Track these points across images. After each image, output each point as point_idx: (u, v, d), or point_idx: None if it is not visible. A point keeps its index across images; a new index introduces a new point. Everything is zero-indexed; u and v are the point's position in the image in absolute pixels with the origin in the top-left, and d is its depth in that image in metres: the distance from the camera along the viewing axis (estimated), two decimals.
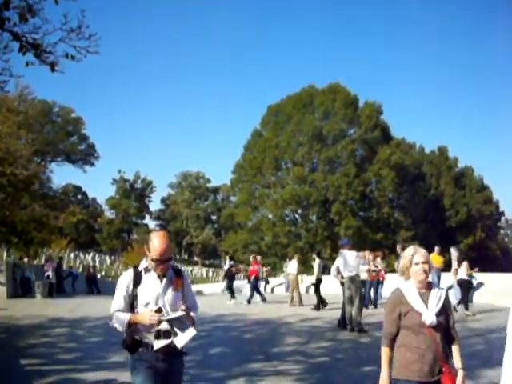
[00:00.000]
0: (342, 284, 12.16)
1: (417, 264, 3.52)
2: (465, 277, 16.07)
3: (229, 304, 18.28)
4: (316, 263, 17.04)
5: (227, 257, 23.60)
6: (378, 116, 50.85)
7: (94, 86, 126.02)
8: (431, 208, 52.41)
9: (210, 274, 57.88)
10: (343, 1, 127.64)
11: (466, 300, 15.70)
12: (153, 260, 3.50)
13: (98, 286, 27.71)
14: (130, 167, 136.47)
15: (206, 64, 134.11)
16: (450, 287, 17.52)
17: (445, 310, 3.52)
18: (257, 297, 19.29)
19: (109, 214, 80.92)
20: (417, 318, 3.43)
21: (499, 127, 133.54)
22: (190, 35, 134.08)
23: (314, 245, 46.37)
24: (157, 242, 3.49)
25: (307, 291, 23.39)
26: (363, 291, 13.63)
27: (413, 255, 3.55)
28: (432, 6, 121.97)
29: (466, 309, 15.37)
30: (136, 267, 3.65)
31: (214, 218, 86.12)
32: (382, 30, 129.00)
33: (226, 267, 20.69)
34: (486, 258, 52.02)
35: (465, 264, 16.33)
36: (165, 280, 3.56)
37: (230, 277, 19.75)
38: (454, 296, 17.99)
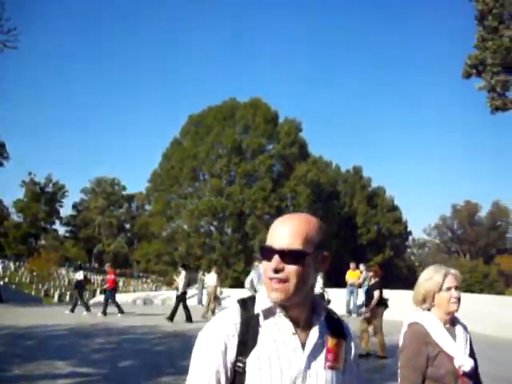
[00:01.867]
0: None
1: (449, 289, 2.69)
2: None
3: (85, 315, 17.94)
4: (182, 276, 16.86)
5: (79, 266, 22.52)
6: (297, 133, 51.75)
7: (7, 83, 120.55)
8: (344, 225, 53.77)
9: (121, 284, 56.31)
10: (270, 18, 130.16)
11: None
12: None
13: (0, 293, 26.11)
14: (41, 170, 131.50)
15: (127, 68, 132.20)
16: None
17: (472, 350, 2.78)
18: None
19: (16, 217, 77.21)
20: (449, 363, 2.59)
21: (410, 151, 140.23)
22: (112, 37, 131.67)
23: (228, 257, 46.32)
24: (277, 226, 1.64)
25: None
26: None
27: (445, 277, 2.70)
28: (358, 26, 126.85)
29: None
30: (243, 304, 1.65)
31: (127, 226, 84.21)
32: (307, 48, 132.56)
33: (77, 277, 19.87)
34: (394, 276, 54.01)
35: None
36: (310, 340, 1.55)
37: (79, 287, 19.46)
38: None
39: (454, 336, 2.70)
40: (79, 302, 19.13)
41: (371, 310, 10.69)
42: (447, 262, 69.73)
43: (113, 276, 19.07)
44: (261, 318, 1.57)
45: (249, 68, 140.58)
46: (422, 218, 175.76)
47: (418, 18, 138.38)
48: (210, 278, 19.34)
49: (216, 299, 18.85)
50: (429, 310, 2.77)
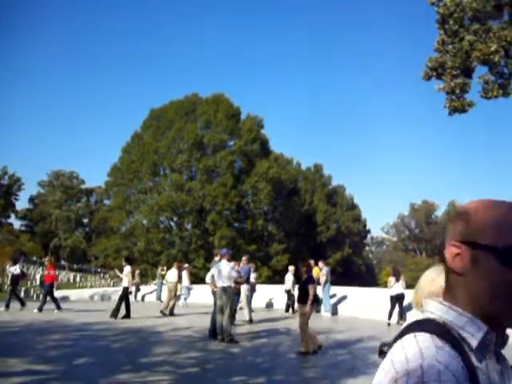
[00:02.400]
0: (215, 293, 12.06)
1: None
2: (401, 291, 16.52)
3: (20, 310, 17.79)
4: (126, 271, 16.52)
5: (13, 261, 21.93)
6: (259, 130, 51.84)
7: None
8: (304, 222, 54.15)
9: (78, 279, 55.39)
10: (235, 15, 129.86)
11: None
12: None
13: None
14: None
15: (87, 60, 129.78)
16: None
17: None
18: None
19: None
20: None
21: (370, 150, 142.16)
22: (75, 31, 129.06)
23: (188, 253, 46.07)
24: None
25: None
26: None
27: None
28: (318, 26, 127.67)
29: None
30: (445, 333, 1.06)
31: (85, 220, 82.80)
32: (271, 50, 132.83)
33: (13, 271, 19.27)
34: (352, 273, 54.80)
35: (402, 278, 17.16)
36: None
37: (15, 282, 19.05)
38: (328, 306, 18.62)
39: None
40: (13, 297, 18.60)
41: (302, 305, 10.41)
42: (404, 260, 71.10)
43: (52, 271, 18.66)
44: (473, 357, 1.05)
45: (212, 64, 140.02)
46: (380, 216, 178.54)
47: (382, 20, 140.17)
48: (171, 274, 19.21)
49: (176, 296, 18.75)
50: None
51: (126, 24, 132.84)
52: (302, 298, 10.39)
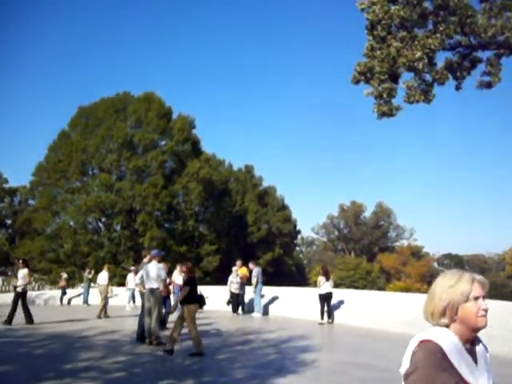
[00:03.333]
0: (143, 295, 11.85)
1: (476, 299, 2.15)
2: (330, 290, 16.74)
3: None
4: (22, 273, 15.56)
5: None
6: (191, 130, 51.44)
7: None
8: (235, 223, 54.21)
9: (0, 283, 53.08)
10: (167, 14, 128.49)
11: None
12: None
13: None
14: None
15: (13, 53, 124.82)
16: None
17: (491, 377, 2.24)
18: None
19: None
20: None
21: (301, 151, 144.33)
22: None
23: (117, 255, 45.11)
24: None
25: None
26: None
27: (472, 283, 2.17)
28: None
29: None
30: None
31: (8, 222, 79.40)
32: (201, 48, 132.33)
33: None
34: (283, 273, 55.33)
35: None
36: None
37: None
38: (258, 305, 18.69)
39: (475, 359, 2.16)
40: None
41: (182, 306, 10.44)
42: (333, 260, 72.59)
43: None
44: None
45: (144, 63, 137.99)
46: (310, 217, 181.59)
47: (316, 24, 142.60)
48: (102, 277, 18.85)
49: (106, 299, 18.35)
50: (447, 326, 2.19)
51: (54, 19, 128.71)
52: (184, 299, 10.37)
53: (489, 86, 16.24)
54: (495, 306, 14.13)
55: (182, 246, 46.24)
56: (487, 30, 14.30)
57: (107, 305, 18.37)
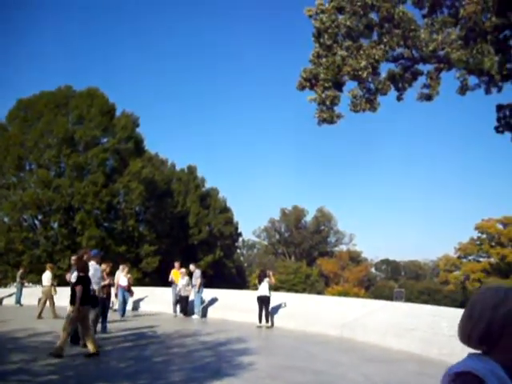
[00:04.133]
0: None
1: None
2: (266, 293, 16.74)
3: None
4: None
5: None
6: (134, 128, 50.62)
7: None
8: (176, 224, 53.75)
9: None
10: (113, 10, 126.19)
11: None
12: None
13: None
14: None
15: None
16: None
17: None
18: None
19: None
20: None
21: (244, 154, 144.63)
22: None
23: (53, 254, 43.83)
24: None
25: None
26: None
27: None
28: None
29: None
30: None
31: None
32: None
33: None
34: (223, 276, 55.25)
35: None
36: None
37: None
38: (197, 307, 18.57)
39: None
40: None
41: (72, 306, 10.22)
42: (274, 263, 73.10)
43: None
44: None
45: (88, 57, 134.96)
46: (252, 220, 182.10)
47: (263, 28, 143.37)
48: (45, 277, 18.25)
49: (47, 300, 17.78)
50: (487, 353, 1.84)
51: None
52: (72, 299, 10.21)
53: (428, 98, 16.79)
54: (428, 311, 14.59)
55: (122, 246, 45.43)
56: (429, 44, 14.77)
57: (55, 305, 17.81)
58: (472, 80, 16.82)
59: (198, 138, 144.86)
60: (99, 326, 13.07)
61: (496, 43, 15.92)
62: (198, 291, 19.04)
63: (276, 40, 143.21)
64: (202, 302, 19.54)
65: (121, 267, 19.55)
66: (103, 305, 13.20)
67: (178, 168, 60.96)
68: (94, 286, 11.27)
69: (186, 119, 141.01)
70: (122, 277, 18.62)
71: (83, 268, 10.53)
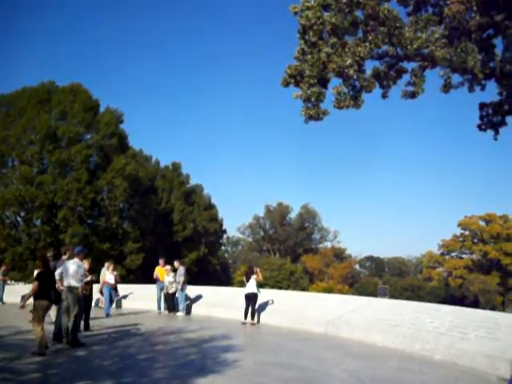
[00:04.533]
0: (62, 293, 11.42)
1: None
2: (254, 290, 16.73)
3: None
4: None
5: None
6: (118, 124, 50.30)
7: None
8: (160, 221, 53.54)
9: None
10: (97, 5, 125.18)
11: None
12: None
13: None
14: None
15: None
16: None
17: None
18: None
19: None
20: None
21: (230, 151, 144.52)
22: None
23: (36, 251, 43.40)
24: None
25: None
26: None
27: None
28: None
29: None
30: None
31: None
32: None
33: None
34: (208, 273, 55.17)
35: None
36: None
37: None
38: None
39: None
40: None
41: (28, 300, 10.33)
42: (258, 260, 73.15)
43: None
44: None
45: (71, 53, 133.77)
46: (236, 217, 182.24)
47: (248, 25, 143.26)
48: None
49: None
50: None
51: None
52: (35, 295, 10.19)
53: (413, 96, 16.86)
54: (411, 307, 14.68)
55: (105, 244, 45.17)
56: (413, 42, 14.82)
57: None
58: (456, 78, 16.92)
59: (183, 135, 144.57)
60: (82, 324, 12.97)
61: (480, 42, 16.03)
62: (182, 288, 18.98)
63: (261, 37, 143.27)
64: (187, 298, 19.47)
65: (106, 264, 19.43)
66: (86, 302, 13.07)
67: (162, 165, 60.70)
68: (77, 283, 11.16)
69: (171, 116, 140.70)
70: (108, 274, 18.47)
71: (42, 264, 10.50)
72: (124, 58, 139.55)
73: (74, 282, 11.14)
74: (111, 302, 18.61)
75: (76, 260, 11.41)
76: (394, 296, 57.50)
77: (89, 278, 13.54)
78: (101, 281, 18.75)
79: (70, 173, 45.89)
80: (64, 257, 12.24)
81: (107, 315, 17.51)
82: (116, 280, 18.78)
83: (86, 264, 14.15)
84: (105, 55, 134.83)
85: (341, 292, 57.51)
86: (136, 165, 49.50)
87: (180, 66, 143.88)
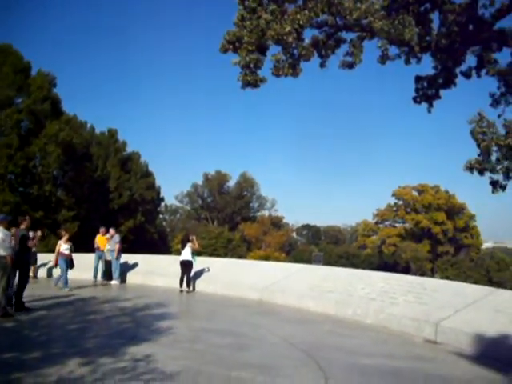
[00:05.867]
0: None
1: None
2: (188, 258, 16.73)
3: None
4: None
5: None
6: (51, 88, 48.37)
7: None
8: (96, 189, 52.36)
9: None
10: None
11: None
12: None
13: None
14: None
15: None
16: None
17: None
18: None
19: None
20: None
21: (165, 121, 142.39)
22: None
23: None
24: None
25: None
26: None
27: None
28: None
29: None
30: None
31: None
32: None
33: None
34: (145, 241, 54.64)
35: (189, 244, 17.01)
36: None
37: None
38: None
39: None
40: None
41: None
42: (197, 229, 73.05)
43: None
44: None
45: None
46: (174, 185, 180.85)
47: None
48: None
49: None
50: None
51: None
52: None
53: (351, 66, 16.99)
54: (344, 274, 15.03)
55: (38, 212, 43.72)
56: (352, 12, 14.84)
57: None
58: (393, 50, 17.16)
59: (119, 102, 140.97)
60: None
61: (417, 15, 16.28)
62: (117, 257, 18.69)
63: (200, 3, 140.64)
64: (122, 267, 19.20)
65: (62, 233, 18.44)
66: (22, 274, 12.45)
67: (97, 131, 58.98)
68: (3, 252, 10.72)
69: (107, 82, 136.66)
70: (63, 244, 17.35)
71: None
72: (56, 17, 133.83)
73: (1, 252, 10.71)
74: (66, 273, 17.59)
75: (1, 228, 10.93)
76: (329, 263, 58.85)
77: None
78: (55, 251, 17.84)
79: (0, 138, 43.96)
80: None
81: (66, 287, 16.53)
82: (72, 250, 17.87)
83: (38, 233, 13.70)
84: (35, 14, 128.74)
85: (278, 260, 58.31)
86: (70, 131, 47.86)
87: (116, 29, 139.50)
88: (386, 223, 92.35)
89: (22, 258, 11.70)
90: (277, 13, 14.85)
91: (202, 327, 10.23)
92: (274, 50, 15.36)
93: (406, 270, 69.87)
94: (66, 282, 16.52)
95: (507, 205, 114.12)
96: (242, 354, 8.00)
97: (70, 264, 17.10)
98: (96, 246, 19.48)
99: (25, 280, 12.00)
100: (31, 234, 15.48)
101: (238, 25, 15.23)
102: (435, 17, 17.22)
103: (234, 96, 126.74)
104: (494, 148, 16.10)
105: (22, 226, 12.07)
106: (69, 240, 17.50)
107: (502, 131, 16.12)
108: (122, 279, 19.08)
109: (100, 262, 19.27)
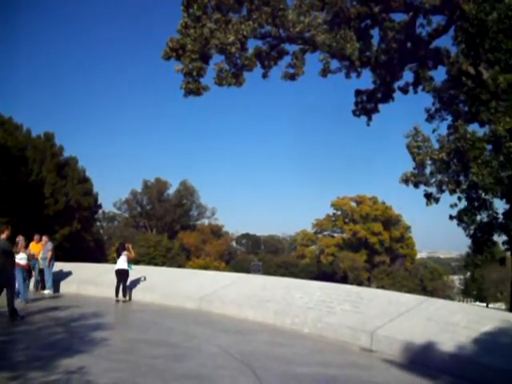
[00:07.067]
0: None
1: None
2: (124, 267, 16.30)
3: None
4: None
5: None
6: None
7: None
8: (31, 194, 50.62)
9: None
10: None
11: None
12: None
13: None
14: None
15: None
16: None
17: None
18: None
19: None
20: None
21: (105, 126, 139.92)
22: None
23: None
24: None
25: None
26: None
27: None
28: None
29: None
30: None
31: None
32: None
33: None
34: (80, 249, 53.21)
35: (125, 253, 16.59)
36: None
37: None
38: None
39: None
40: None
41: None
42: (135, 236, 71.89)
43: None
44: None
45: None
46: (113, 192, 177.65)
47: None
48: None
49: None
50: None
51: None
52: None
53: (292, 77, 17.24)
54: (283, 283, 15.12)
55: None
56: (296, 25, 15.11)
57: None
58: (334, 64, 17.53)
59: (57, 104, 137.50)
60: None
61: (358, 31, 16.72)
62: (49, 265, 18.06)
63: (144, 9, 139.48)
64: (55, 275, 18.57)
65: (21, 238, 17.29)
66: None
67: (33, 134, 57.08)
68: None
69: (44, 84, 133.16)
70: (21, 253, 16.13)
71: None
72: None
73: None
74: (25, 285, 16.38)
75: None
76: (268, 273, 59.13)
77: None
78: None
79: None
80: None
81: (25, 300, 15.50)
82: (31, 256, 16.89)
83: (21, 240, 13.05)
84: None
85: (217, 269, 58.08)
86: (4, 134, 46.18)
87: (51, 25, 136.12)
88: (325, 233, 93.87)
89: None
90: (221, 22, 14.93)
91: (138, 338, 10.04)
92: (217, 59, 15.42)
93: (344, 280, 71.11)
94: (20, 294, 15.26)
95: (440, 217, 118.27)
96: (178, 365, 7.88)
97: (27, 275, 16.25)
98: (30, 253, 18.68)
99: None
100: (18, 238, 14.81)
101: (182, 32, 15.21)
102: (375, 33, 17.74)
103: (176, 104, 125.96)
104: (429, 162, 16.67)
105: (3, 236, 11.33)
106: (26, 248, 16.38)
107: (436, 146, 16.73)
108: (56, 288, 18.46)
109: (33, 271, 18.55)
